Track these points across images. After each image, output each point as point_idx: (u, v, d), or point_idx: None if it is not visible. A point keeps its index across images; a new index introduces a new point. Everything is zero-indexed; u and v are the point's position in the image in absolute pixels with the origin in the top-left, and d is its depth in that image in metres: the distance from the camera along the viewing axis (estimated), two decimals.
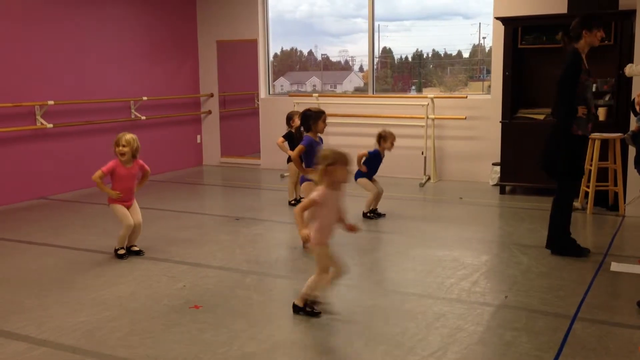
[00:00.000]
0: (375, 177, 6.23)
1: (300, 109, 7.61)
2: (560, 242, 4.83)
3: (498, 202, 6.99)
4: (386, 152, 6.22)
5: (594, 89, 6.82)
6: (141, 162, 4.96)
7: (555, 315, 3.64)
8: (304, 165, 5.01)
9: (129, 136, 4.83)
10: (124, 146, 4.79)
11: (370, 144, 6.29)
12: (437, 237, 5.47)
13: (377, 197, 6.16)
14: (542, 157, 4.80)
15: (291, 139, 6.67)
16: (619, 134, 6.22)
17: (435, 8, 9.03)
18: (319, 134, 5.10)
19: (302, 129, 5.17)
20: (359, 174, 6.14)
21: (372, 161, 6.13)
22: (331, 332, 3.49)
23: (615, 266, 4.55)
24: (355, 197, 6.93)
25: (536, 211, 6.39)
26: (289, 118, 6.86)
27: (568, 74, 4.54)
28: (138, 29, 8.77)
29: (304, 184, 5.03)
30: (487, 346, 3.27)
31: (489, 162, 8.00)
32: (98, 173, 4.76)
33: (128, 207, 4.91)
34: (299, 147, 4.99)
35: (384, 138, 6.11)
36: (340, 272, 3.66)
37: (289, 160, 6.69)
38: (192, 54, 9.84)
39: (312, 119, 4.98)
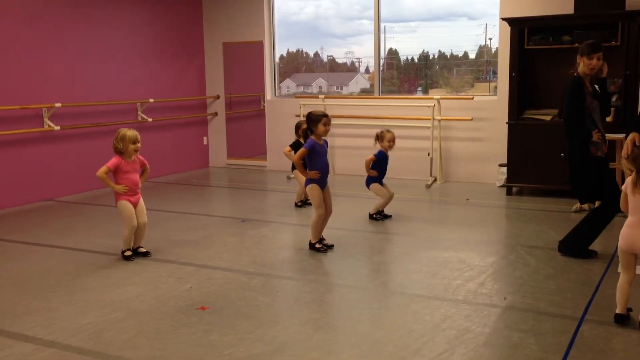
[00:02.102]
0: (384, 180, 6.22)
1: (307, 111, 7.62)
2: (570, 243, 4.82)
3: (505, 204, 6.97)
4: (390, 152, 6.21)
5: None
6: (141, 156, 5.00)
7: (563, 317, 3.63)
8: (308, 168, 5.03)
9: (136, 132, 4.90)
10: (139, 143, 4.87)
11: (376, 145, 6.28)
12: (444, 239, 5.46)
13: (388, 200, 6.16)
14: (574, 187, 4.85)
15: (298, 148, 6.65)
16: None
17: (440, 9, 9.03)
18: (323, 137, 5.10)
19: (308, 132, 5.19)
20: (370, 180, 6.14)
21: (380, 163, 6.13)
22: (337, 334, 3.49)
23: None
24: (362, 199, 6.93)
25: (543, 212, 6.37)
26: (298, 127, 6.84)
27: (572, 104, 4.63)
28: (144, 32, 8.80)
29: (309, 186, 5.04)
30: (494, 348, 3.26)
31: (495, 163, 7.98)
32: (103, 169, 4.78)
33: (135, 204, 4.93)
34: (301, 150, 5.02)
35: (381, 137, 6.14)
36: None
37: (294, 167, 6.71)
38: (198, 55, 9.87)
39: (313, 122, 5.01)
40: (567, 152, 4.80)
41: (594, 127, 4.65)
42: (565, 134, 4.77)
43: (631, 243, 3.48)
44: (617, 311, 3.55)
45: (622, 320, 3.52)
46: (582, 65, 4.65)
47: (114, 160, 4.83)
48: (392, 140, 6.14)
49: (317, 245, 5.07)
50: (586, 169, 4.68)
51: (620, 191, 4.85)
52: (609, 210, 4.71)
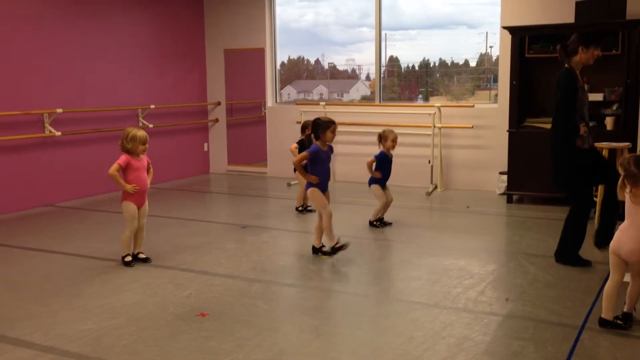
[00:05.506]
0: (387, 184, 6.20)
1: (308, 118, 7.63)
2: (562, 252, 4.82)
3: (505, 211, 6.97)
4: (393, 155, 6.20)
5: (602, 99, 6.87)
6: (145, 155, 5.00)
7: (563, 326, 3.62)
8: (308, 172, 5.04)
9: (146, 133, 4.90)
10: (148, 144, 4.88)
11: (376, 151, 6.28)
12: (444, 246, 5.45)
13: (386, 206, 6.15)
14: (554, 175, 4.79)
15: (303, 147, 6.68)
16: (627, 144, 6.20)
17: (439, 17, 9.06)
18: (328, 143, 5.12)
19: (312, 136, 5.19)
20: (372, 180, 6.12)
21: (382, 164, 6.10)
22: (337, 340, 3.48)
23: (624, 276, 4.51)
24: (362, 206, 6.93)
25: (543, 220, 6.37)
26: (304, 127, 6.85)
27: (564, 96, 4.59)
28: (146, 38, 8.82)
29: (310, 189, 5.05)
30: (494, 356, 3.25)
31: (495, 171, 7.98)
32: (114, 167, 4.76)
33: (140, 206, 4.92)
34: (303, 153, 5.04)
35: (384, 137, 6.09)
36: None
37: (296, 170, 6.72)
38: (199, 62, 9.89)
39: (321, 128, 5.01)
40: (551, 144, 4.73)
41: (582, 120, 4.60)
42: (552, 123, 4.71)
43: (618, 245, 3.51)
44: (602, 315, 3.56)
45: (606, 325, 3.52)
46: (589, 55, 4.60)
47: (124, 158, 4.81)
48: (395, 140, 6.11)
49: (337, 246, 5.01)
50: (572, 161, 4.59)
51: (598, 182, 4.82)
52: (582, 211, 4.69)
